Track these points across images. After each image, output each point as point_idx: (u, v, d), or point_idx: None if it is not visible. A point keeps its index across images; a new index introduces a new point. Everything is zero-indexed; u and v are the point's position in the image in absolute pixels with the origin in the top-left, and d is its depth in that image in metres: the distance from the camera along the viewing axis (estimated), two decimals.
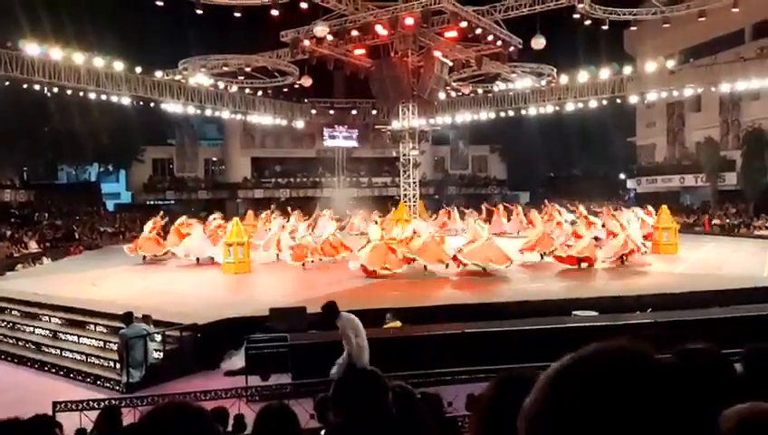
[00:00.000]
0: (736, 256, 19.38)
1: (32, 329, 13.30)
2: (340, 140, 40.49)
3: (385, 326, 10.71)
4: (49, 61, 20.93)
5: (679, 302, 12.09)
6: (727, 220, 28.87)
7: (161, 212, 23.19)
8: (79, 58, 21.62)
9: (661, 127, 36.37)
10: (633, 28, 27.70)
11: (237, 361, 10.46)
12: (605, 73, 27.03)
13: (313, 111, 36.50)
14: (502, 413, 1.44)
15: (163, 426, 1.39)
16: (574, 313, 11.46)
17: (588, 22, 21.77)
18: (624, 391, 0.73)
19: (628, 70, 27.21)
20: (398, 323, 10.75)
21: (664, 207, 20.91)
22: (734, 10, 20.56)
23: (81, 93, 23.65)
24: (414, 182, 26.80)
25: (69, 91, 23.35)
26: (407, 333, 10.32)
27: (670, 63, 26.97)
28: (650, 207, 22.13)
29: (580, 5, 20.58)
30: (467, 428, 5.19)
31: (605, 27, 22.17)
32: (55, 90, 23.15)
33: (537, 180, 44.18)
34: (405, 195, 26.71)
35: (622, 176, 42.10)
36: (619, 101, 28.71)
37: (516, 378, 1.48)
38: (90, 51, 22.45)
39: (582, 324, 10.43)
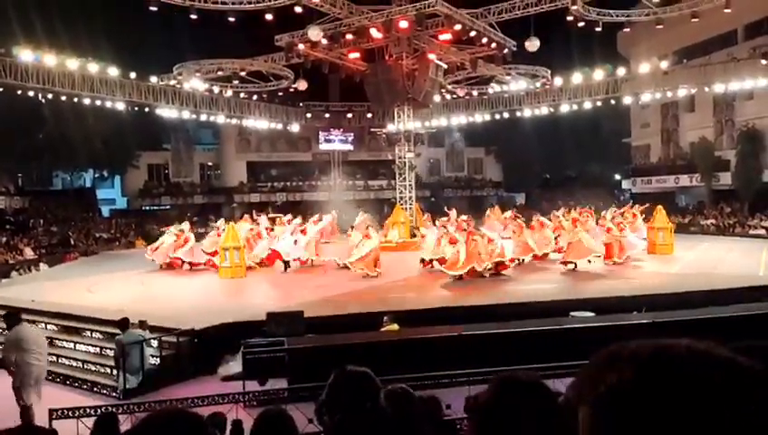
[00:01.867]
0: (732, 256, 19.44)
1: None
2: (336, 143, 40.50)
3: (382, 329, 10.70)
4: (43, 67, 20.91)
5: (676, 302, 12.12)
6: (722, 220, 29.00)
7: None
8: (73, 64, 21.60)
9: (655, 127, 36.50)
10: (626, 30, 27.84)
11: (234, 366, 10.43)
12: (599, 75, 27.15)
13: (309, 115, 36.49)
14: (501, 415, 1.44)
15: (157, 433, 1.39)
16: (571, 314, 11.48)
17: (581, 24, 21.86)
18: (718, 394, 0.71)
19: (621, 71, 27.34)
20: (395, 327, 10.73)
21: (659, 207, 20.97)
22: (726, 11, 20.69)
23: (76, 99, 23.62)
24: (410, 185, 26.82)
25: (63, 97, 23.33)
26: (404, 335, 10.30)
27: (664, 64, 27.08)
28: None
29: (574, 7, 20.67)
30: (466, 430, 5.18)
31: (598, 29, 22.27)
32: (49, 96, 23.13)
33: (533, 182, 44.27)
34: (401, 197, 26.73)
35: (617, 177, 42.22)
36: (613, 102, 28.83)
37: (516, 380, 1.48)
38: (84, 57, 22.43)
39: (580, 325, 10.44)
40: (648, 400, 0.72)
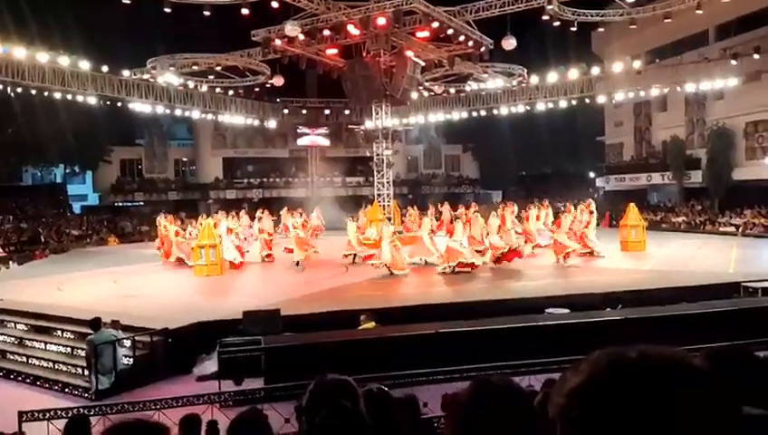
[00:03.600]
0: (702, 253, 19.86)
1: None
2: (313, 138, 40.32)
3: (360, 327, 10.69)
4: (12, 60, 20.37)
5: (649, 298, 12.33)
6: (693, 217, 29.60)
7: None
8: (43, 57, 21.10)
9: (629, 126, 37.06)
10: (600, 29, 28.26)
11: (210, 365, 10.31)
12: (574, 74, 27.46)
13: (286, 111, 36.25)
14: (477, 417, 1.45)
15: None
16: (547, 310, 11.61)
17: (557, 23, 22.09)
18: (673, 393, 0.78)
19: (596, 70, 27.69)
20: (372, 325, 10.73)
21: (632, 205, 21.33)
22: (697, 12, 21.09)
23: (46, 93, 23.08)
24: (387, 182, 26.84)
25: (33, 91, 22.78)
26: (381, 333, 10.30)
27: (637, 64, 27.49)
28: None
29: (549, 7, 20.86)
30: (443, 429, 5.19)
31: (573, 29, 22.52)
32: (19, 90, 22.56)
33: (509, 179, 44.64)
34: (379, 195, 26.73)
35: (592, 174, 42.78)
36: (587, 100, 29.19)
37: (492, 383, 1.49)
38: (54, 50, 21.91)
39: (555, 322, 10.56)
40: (600, 399, 0.79)
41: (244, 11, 20.07)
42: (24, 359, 11.83)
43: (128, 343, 10.77)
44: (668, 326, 9.77)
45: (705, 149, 30.99)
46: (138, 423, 1.46)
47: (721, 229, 26.86)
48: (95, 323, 10.21)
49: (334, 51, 24.80)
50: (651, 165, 34.73)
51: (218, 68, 27.61)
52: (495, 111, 31.57)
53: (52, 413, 6.97)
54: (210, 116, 31.25)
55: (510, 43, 22.75)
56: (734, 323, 9.68)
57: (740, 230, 25.85)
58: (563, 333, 9.61)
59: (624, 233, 20.62)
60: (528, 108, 30.28)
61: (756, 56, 24.34)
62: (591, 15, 22.95)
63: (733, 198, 28.62)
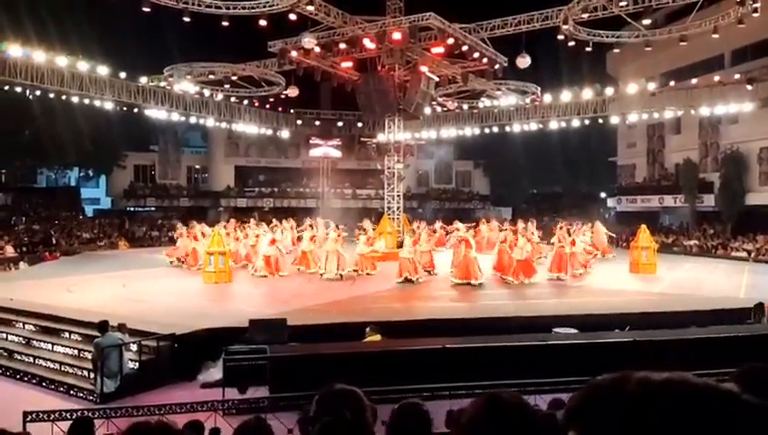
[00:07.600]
0: (714, 277, 19.65)
1: (4, 335, 13.01)
2: (326, 150, 40.51)
3: (365, 340, 10.66)
4: (31, 63, 20.68)
5: (658, 321, 12.21)
6: (705, 241, 29.34)
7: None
8: (62, 61, 21.40)
9: (642, 148, 36.94)
10: (616, 50, 28.25)
11: (215, 372, 10.33)
12: (588, 94, 27.43)
13: (299, 122, 36.47)
14: (486, 433, 1.44)
15: None
16: (554, 330, 11.52)
17: (572, 43, 22.11)
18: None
19: (610, 91, 27.66)
20: (378, 337, 10.69)
21: (643, 226, 21.19)
22: (714, 36, 21.05)
23: (64, 97, 23.38)
24: (398, 195, 26.85)
25: (51, 95, 23.08)
26: (387, 347, 10.27)
27: (651, 86, 27.45)
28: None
29: (565, 27, 20.91)
30: None
31: (588, 49, 22.54)
32: (38, 93, 22.88)
33: (520, 196, 44.54)
34: (389, 208, 26.74)
35: (603, 195, 42.61)
36: (600, 121, 29.12)
37: (502, 400, 1.48)
38: (73, 55, 22.23)
39: (562, 342, 10.48)
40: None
41: (262, 22, 20.28)
42: (31, 359, 11.89)
43: (134, 347, 10.81)
44: (677, 350, 9.67)
45: (718, 172, 30.82)
46: (159, 425, 1.48)
47: (733, 254, 26.60)
48: (102, 326, 10.26)
49: (349, 64, 24.96)
50: (664, 187, 34.55)
51: (234, 77, 27.87)
52: (508, 129, 31.55)
53: (56, 415, 6.98)
54: (224, 124, 31.48)
55: (524, 62, 22.77)
56: (744, 349, 9.55)
57: (752, 256, 25.59)
58: (571, 354, 9.53)
59: (635, 254, 20.46)
60: (541, 126, 30.26)
61: None
62: (607, 36, 22.95)
63: (745, 223, 28.37)
